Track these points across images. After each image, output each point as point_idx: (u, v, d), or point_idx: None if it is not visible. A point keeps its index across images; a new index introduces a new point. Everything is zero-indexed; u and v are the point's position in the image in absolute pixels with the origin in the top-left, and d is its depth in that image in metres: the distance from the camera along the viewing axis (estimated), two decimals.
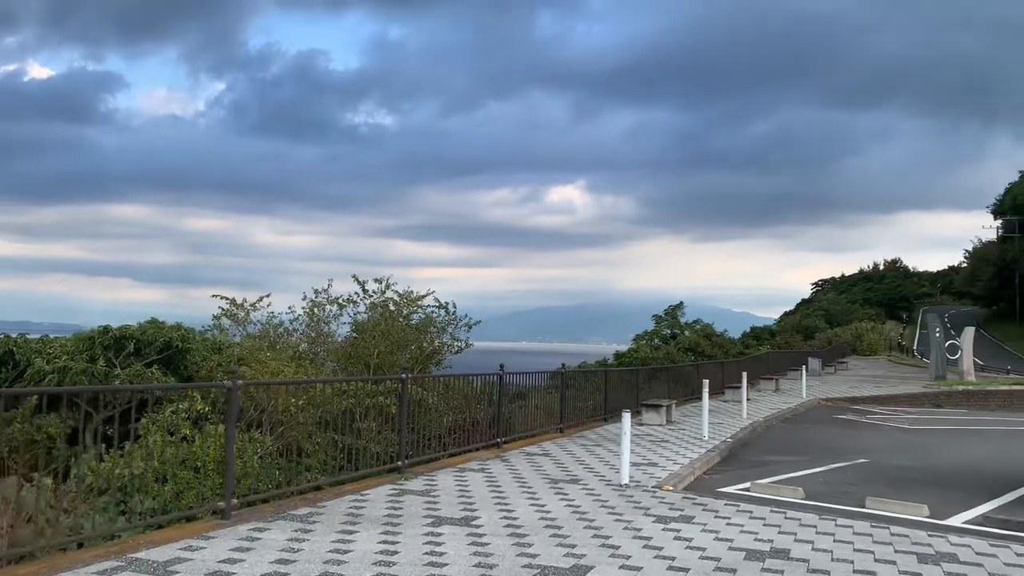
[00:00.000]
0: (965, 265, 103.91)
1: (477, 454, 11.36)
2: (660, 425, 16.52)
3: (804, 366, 29.28)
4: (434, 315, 17.32)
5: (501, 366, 12.15)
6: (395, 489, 8.61)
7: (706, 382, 15.15)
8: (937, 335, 34.96)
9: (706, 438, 14.24)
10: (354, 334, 17.93)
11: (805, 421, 20.41)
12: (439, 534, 6.66)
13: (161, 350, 14.65)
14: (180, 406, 11.44)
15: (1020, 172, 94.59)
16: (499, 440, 12.05)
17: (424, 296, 17.80)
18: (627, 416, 9.67)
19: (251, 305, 17.91)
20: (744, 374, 20.32)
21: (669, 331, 49.54)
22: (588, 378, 16.91)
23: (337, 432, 10.51)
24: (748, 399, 24.45)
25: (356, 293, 17.41)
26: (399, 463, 9.58)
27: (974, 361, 36.44)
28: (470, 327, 17.43)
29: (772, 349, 51.43)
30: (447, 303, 17.25)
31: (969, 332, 35.10)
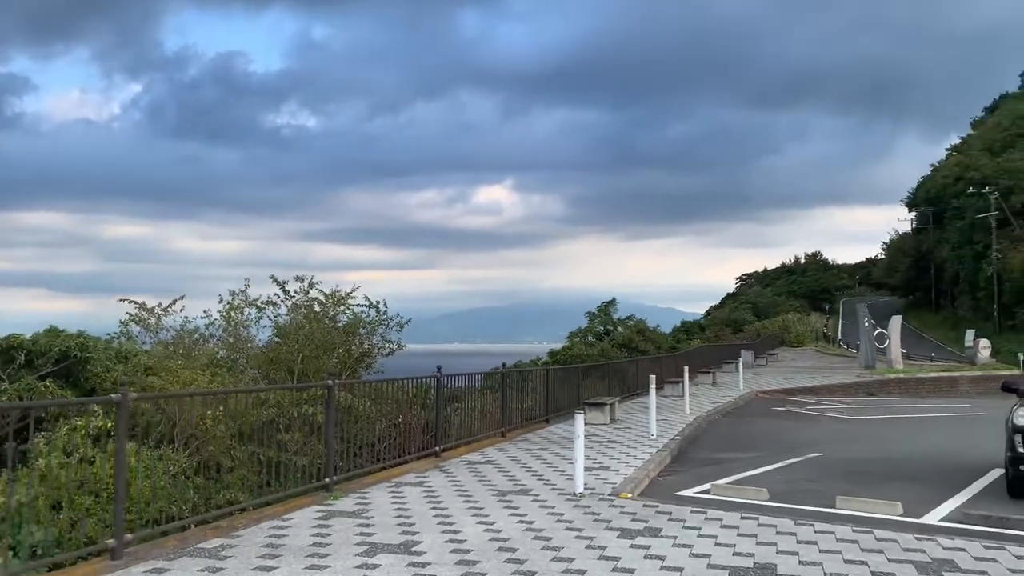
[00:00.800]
0: (883, 257, 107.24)
1: (414, 465, 10.37)
2: (604, 424, 15.80)
3: (746, 359, 29.09)
4: (363, 315, 16.21)
5: (438, 368, 11.20)
6: (322, 511, 7.57)
7: (653, 378, 14.49)
8: (867, 325, 35.38)
9: (654, 436, 13.56)
10: (276, 339, 16.69)
11: (746, 414, 20.03)
12: (375, 566, 5.69)
13: (58, 361, 13.22)
14: (78, 423, 10.16)
15: (932, 166, 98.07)
16: (437, 448, 11.09)
17: (351, 295, 16.66)
18: (580, 418, 8.84)
19: (162, 309, 16.49)
20: (686, 368, 19.82)
21: (603, 327, 49.22)
22: (528, 378, 16.07)
23: (259, 445, 9.46)
24: (688, 394, 24.13)
25: (276, 295, 16.16)
26: (327, 479, 8.53)
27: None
28: (401, 327, 16.38)
29: (703, 343, 51.69)
30: (377, 302, 16.17)
31: (896, 321, 35.64)
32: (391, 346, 16.31)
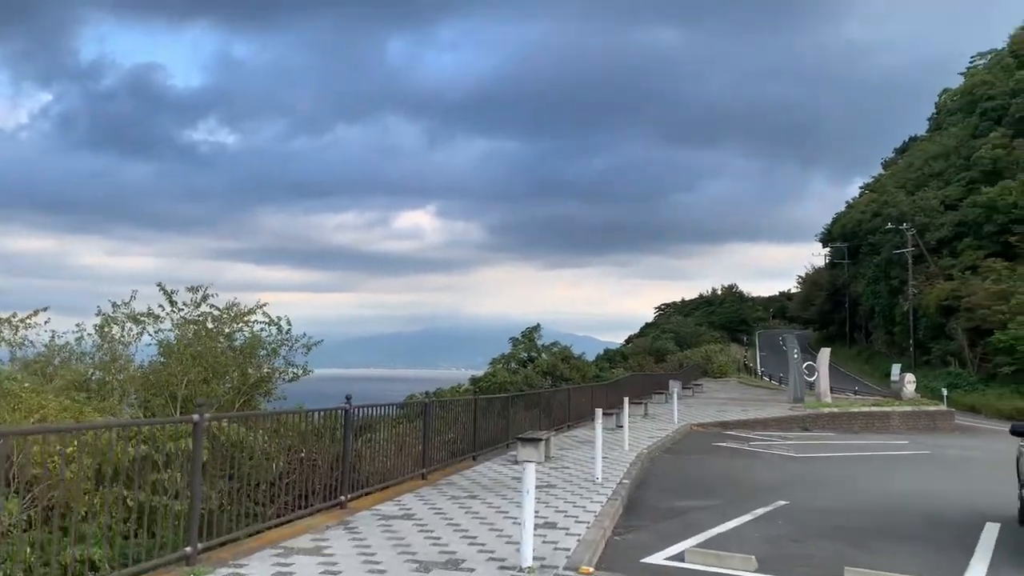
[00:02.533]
0: (797, 291, 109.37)
1: (313, 521, 8.24)
2: (539, 463, 13.90)
3: (675, 390, 27.72)
4: (263, 334, 13.95)
5: (348, 397, 9.11)
6: None
7: (599, 412, 12.68)
8: (796, 357, 34.68)
9: (599, 479, 11.74)
10: (160, 358, 14.25)
11: (688, 451, 18.47)
12: None
13: None
14: None
15: (847, 203, 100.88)
16: (344, 498, 8.96)
17: (252, 311, 14.38)
18: (531, 470, 6.86)
19: (20, 320, 13.85)
20: (626, 400, 18.17)
21: (526, 354, 47.49)
22: (452, 409, 14.04)
23: (127, 487, 7.38)
24: (621, 426, 22.48)
25: (161, 306, 13.76)
26: (187, 548, 6.36)
27: None
28: (308, 349, 14.19)
29: (627, 371, 50.57)
30: (279, 318, 13.94)
31: (825, 354, 35.05)
32: (295, 371, 14.09)
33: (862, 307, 76.45)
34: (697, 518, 9.73)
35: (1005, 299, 46.81)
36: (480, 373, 44.77)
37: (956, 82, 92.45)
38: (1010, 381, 45.13)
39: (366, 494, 9.68)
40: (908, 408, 30.16)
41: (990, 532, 9.17)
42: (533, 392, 21.01)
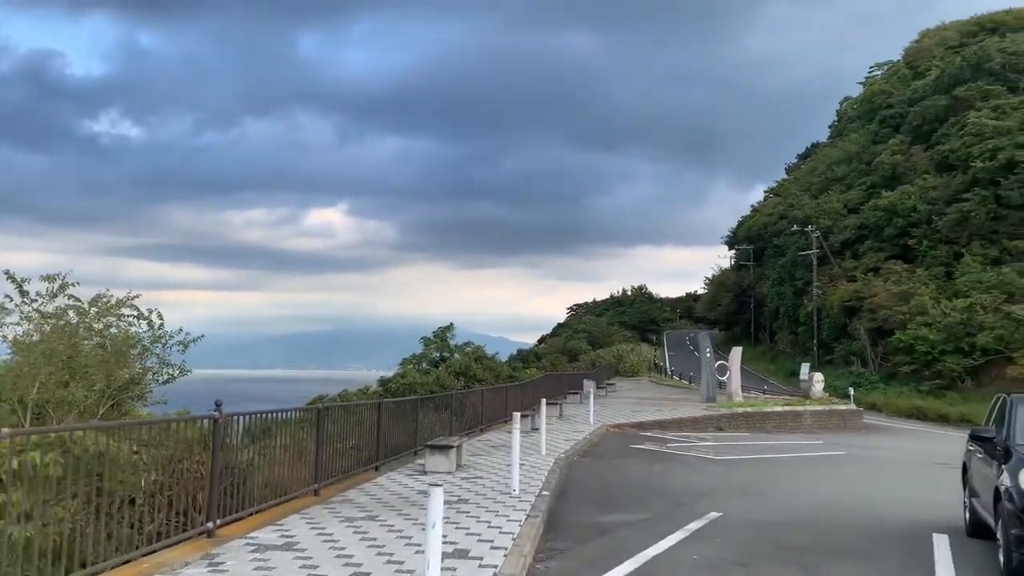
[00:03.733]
0: (704, 292, 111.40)
1: (170, 556, 6.73)
2: (449, 473, 12.61)
3: (591, 390, 26.84)
4: (133, 331, 12.17)
5: (217, 404, 7.58)
6: None
7: (517, 416, 11.45)
8: (708, 355, 34.43)
9: (516, 491, 10.53)
10: (9, 357, 12.30)
11: (606, 454, 17.52)
12: None
13: None
14: None
15: (752, 207, 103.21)
16: (211, 524, 7.44)
17: (121, 304, 12.57)
18: (437, 496, 5.49)
19: None
20: (543, 402, 17.06)
21: (438, 354, 46.08)
22: (353, 414, 12.54)
23: None
24: (537, 429, 21.40)
25: (8, 297, 11.82)
26: None
27: None
28: (185, 346, 12.48)
29: (540, 372, 49.79)
30: (150, 311, 12.19)
31: (736, 353, 34.94)
32: (170, 371, 12.37)
33: (767, 307, 78.07)
34: (625, 537, 8.63)
35: (905, 300, 48.14)
36: (391, 374, 43.12)
37: (856, 91, 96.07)
38: (909, 380, 46.39)
39: (241, 518, 8.17)
40: (819, 407, 30.22)
41: (941, 547, 8.40)
42: (444, 393, 19.67)
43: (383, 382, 39.13)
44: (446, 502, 9.66)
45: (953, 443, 26.32)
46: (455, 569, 6.46)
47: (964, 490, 9.50)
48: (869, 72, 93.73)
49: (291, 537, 7.58)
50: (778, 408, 29.23)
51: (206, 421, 7.59)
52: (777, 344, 74.26)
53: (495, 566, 6.60)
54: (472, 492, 10.62)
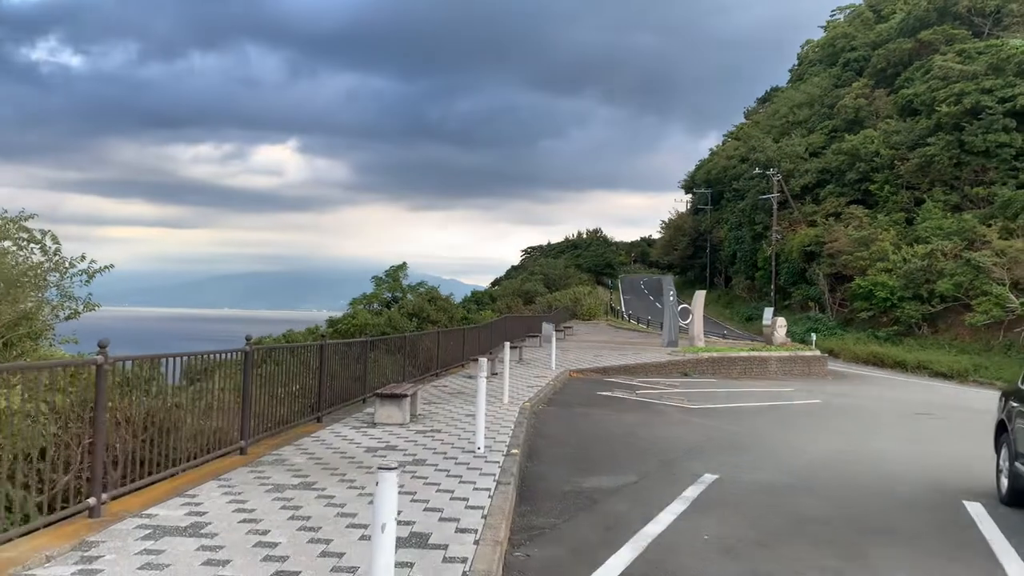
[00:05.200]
0: (660, 236, 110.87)
1: (34, 543, 5.05)
2: (402, 425, 11.05)
3: (552, 334, 25.46)
4: (23, 256, 10.20)
5: (101, 345, 5.82)
6: None
7: (484, 361, 9.84)
8: (672, 299, 33.29)
9: (481, 449, 9.01)
10: None
11: (574, 402, 16.16)
12: None
13: None
14: None
15: (711, 150, 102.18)
16: (93, 501, 5.74)
17: (14, 223, 10.54)
18: (389, 484, 3.84)
19: None
20: (507, 346, 15.57)
21: (390, 294, 44.31)
22: (289, 358, 10.81)
23: None
24: (496, 373, 19.97)
25: None
26: None
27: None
28: (91, 276, 10.55)
29: (495, 314, 48.42)
30: (44, 233, 10.22)
31: (700, 296, 33.91)
32: (72, 306, 10.48)
33: (724, 252, 77.58)
34: (616, 509, 7.19)
35: (866, 246, 47.63)
36: (340, 315, 41.28)
37: (817, 34, 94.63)
38: (867, 326, 46.15)
39: (142, 487, 6.50)
40: (785, 353, 29.38)
41: (984, 522, 7.14)
42: (397, 335, 18.01)
43: (332, 323, 37.31)
44: (399, 463, 8.11)
45: (921, 391, 25.76)
46: (412, 564, 4.92)
47: (998, 453, 8.27)
48: (831, 15, 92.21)
49: (201, 515, 5.94)
50: (744, 353, 28.28)
51: (91, 367, 5.82)
52: (733, 289, 73.97)
53: (464, 559, 5.07)
54: (430, 450, 9.07)
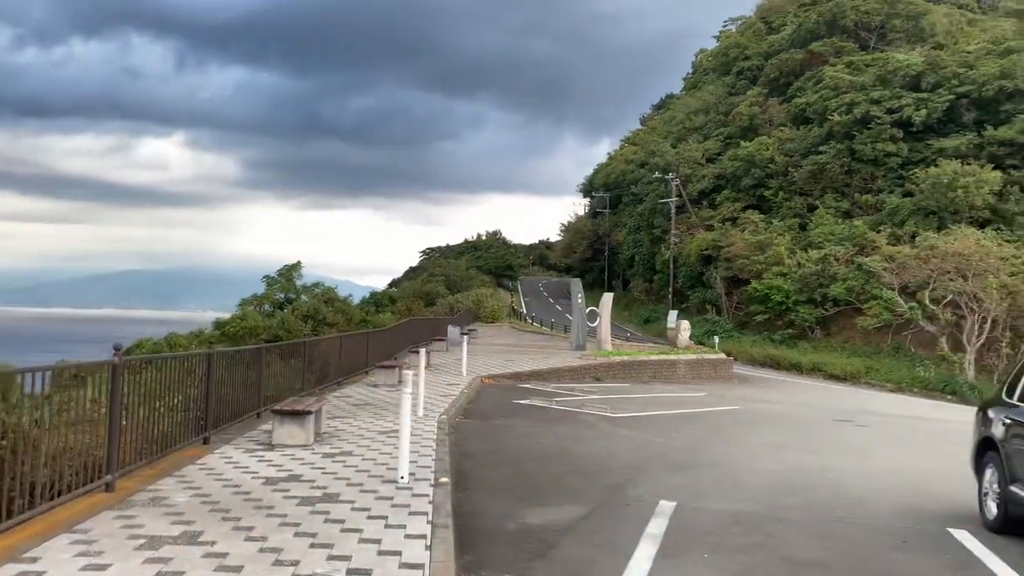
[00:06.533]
0: (559, 239, 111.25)
1: None
2: (305, 447, 9.51)
3: (463, 338, 24.15)
4: None
5: None
6: None
7: (410, 374, 8.45)
8: (580, 301, 32.57)
9: (404, 479, 7.64)
10: None
11: (492, 413, 14.93)
12: None
13: None
14: None
15: (609, 154, 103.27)
16: None
17: None
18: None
19: None
20: (423, 352, 14.20)
21: (283, 295, 41.98)
22: (171, 367, 9.10)
23: None
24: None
25: None
26: None
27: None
28: None
29: (396, 316, 46.69)
30: None
31: (608, 299, 33.30)
32: None
33: (622, 255, 78.17)
34: (577, 556, 5.98)
35: (762, 250, 48.49)
36: (228, 316, 38.71)
37: (711, 44, 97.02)
38: (762, 329, 46.93)
39: None
40: (692, 357, 29.12)
41: (985, 554, 6.33)
42: (295, 341, 16.32)
43: (220, 325, 34.86)
44: (305, 499, 6.66)
45: (826, 395, 25.88)
46: None
47: (981, 475, 7.54)
48: (723, 26, 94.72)
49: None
50: (653, 357, 27.80)
51: None
52: (632, 291, 74.54)
53: None
54: (343, 480, 7.62)
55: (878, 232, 43.71)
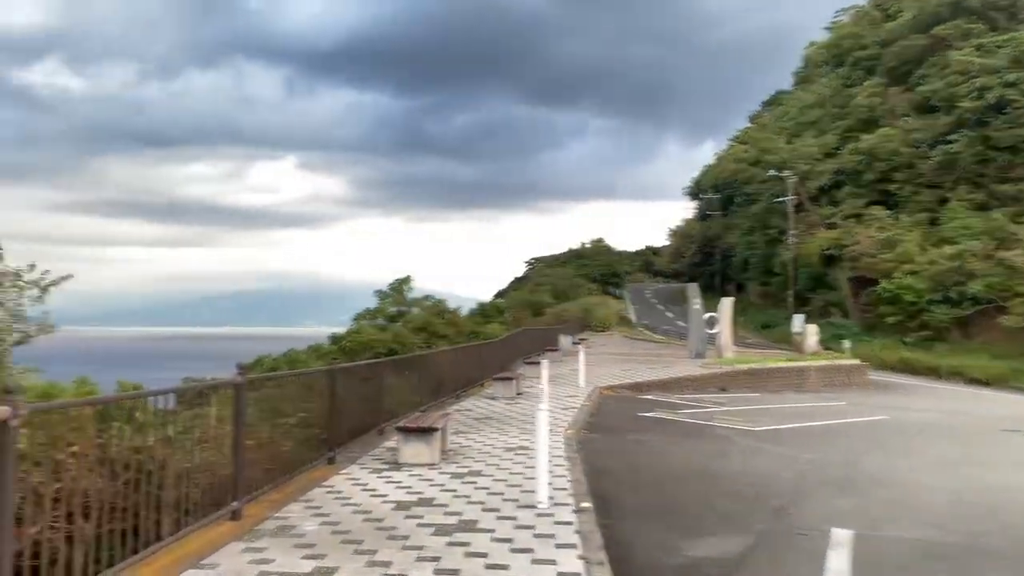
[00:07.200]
0: (666, 244, 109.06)
1: None
2: (432, 466, 9.00)
3: (580, 349, 23.42)
4: None
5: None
6: None
7: (545, 389, 7.79)
8: (697, 307, 31.28)
9: (543, 505, 6.97)
10: None
11: (618, 427, 14.10)
12: None
13: None
14: None
15: (716, 155, 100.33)
16: None
17: None
18: None
19: None
20: (544, 366, 13.56)
21: (395, 308, 42.31)
22: (293, 385, 8.76)
23: None
24: (520, 393, 17.96)
25: None
26: None
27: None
28: (44, 290, 8.53)
29: (505, 327, 46.38)
30: None
31: (727, 303, 31.84)
32: (23, 329, 8.45)
33: (735, 258, 75.54)
34: None
35: (890, 247, 45.65)
36: (343, 331, 39.27)
37: (821, 37, 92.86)
38: (893, 332, 44.07)
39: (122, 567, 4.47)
40: (823, 363, 27.33)
41: None
42: (415, 355, 15.98)
43: (336, 340, 35.34)
44: (440, 527, 6.07)
45: (978, 401, 23.67)
46: None
47: None
48: (835, 16, 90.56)
49: None
50: (781, 364, 26.22)
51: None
52: (748, 295, 71.89)
53: None
54: (477, 505, 7.02)
55: (1020, 224, 40.33)
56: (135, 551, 5.01)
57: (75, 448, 5.43)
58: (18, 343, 8.55)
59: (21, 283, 8.27)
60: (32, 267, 8.38)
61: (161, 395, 5.62)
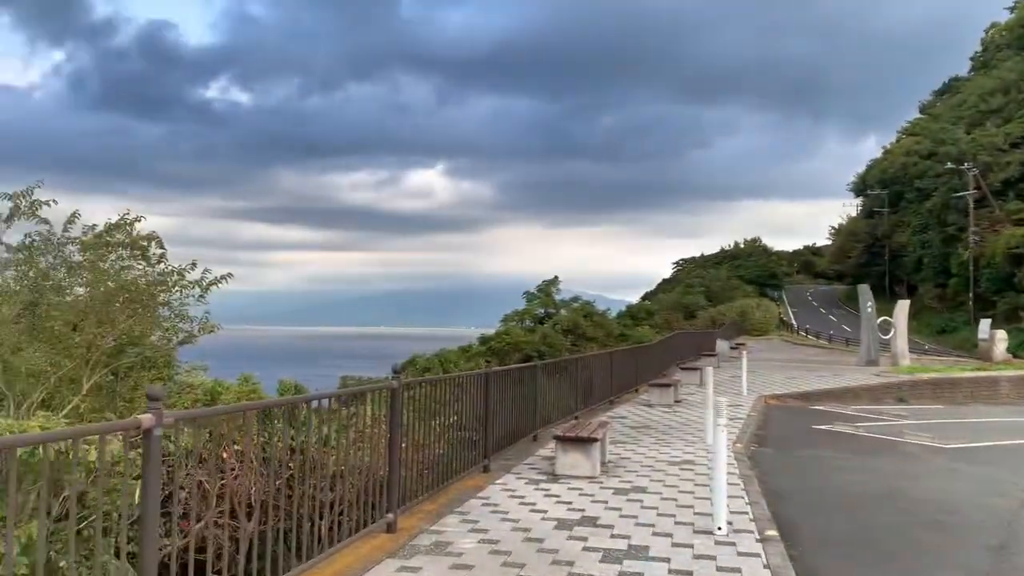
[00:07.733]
0: (828, 243, 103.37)
1: None
2: (591, 479, 8.43)
3: (743, 354, 22.17)
4: (127, 267, 8.38)
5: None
6: None
7: (724, 402, 7.07)
8: (869, 310, 29.03)
9: (721, 531, 6.23)
10: None
11: (789, 441, 12.98)
12: None
13: None
14: None
15: (884, 148, 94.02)
16: None
17: (131, 223, 8.74)
18: None
19: None
20: (709, 372, 12.68)
21: (543, 310, 42.06)
22: (447, 389, 8.36)
23: None
24: (678, 400, 17.08)
25: None
26: None
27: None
28: (205, 289, 8.61)
29: (654, 330, 45.11)
30: (150, 236, 8.35)
31: (903, 307, 29.36)
32: (186, 328, 8.57)
33: (906, 258, 70.26)
34: None
35: None
36: (491, 332, 39.41)
37: (998, 20, 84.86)
38: None
39: None
40: (1016, 372, 24.59)
41: None
42: (569, 358, 15.43)
43: (484, 340, 35.44)
44: (608, 552, 5.46)
45: None
46: None
47: None
48: None
49: None
50: (967, 374, 23.80)
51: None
52: (920, 298, 66.72)
53: None
54: (646, 528, 6.37)
55: None
56: (297, 552, 4.76)
57: (239, 447, 5.29)
58: (183, 342, 8.76)
59: (185, 283, 8.41)
60: (193, 266, 8.49)
61: (316, 399, 5.35)
